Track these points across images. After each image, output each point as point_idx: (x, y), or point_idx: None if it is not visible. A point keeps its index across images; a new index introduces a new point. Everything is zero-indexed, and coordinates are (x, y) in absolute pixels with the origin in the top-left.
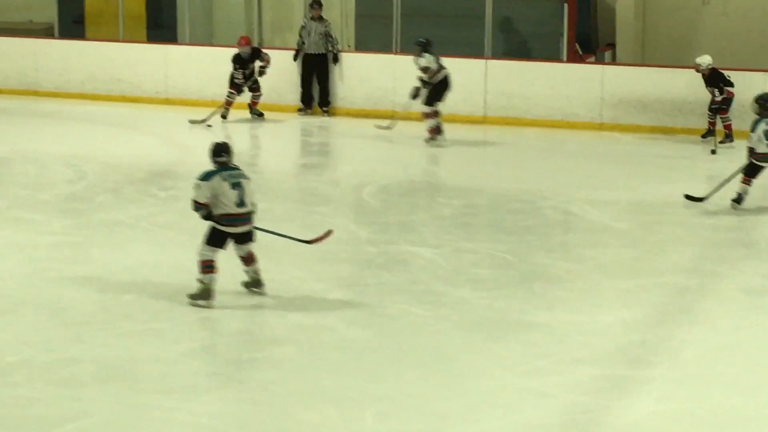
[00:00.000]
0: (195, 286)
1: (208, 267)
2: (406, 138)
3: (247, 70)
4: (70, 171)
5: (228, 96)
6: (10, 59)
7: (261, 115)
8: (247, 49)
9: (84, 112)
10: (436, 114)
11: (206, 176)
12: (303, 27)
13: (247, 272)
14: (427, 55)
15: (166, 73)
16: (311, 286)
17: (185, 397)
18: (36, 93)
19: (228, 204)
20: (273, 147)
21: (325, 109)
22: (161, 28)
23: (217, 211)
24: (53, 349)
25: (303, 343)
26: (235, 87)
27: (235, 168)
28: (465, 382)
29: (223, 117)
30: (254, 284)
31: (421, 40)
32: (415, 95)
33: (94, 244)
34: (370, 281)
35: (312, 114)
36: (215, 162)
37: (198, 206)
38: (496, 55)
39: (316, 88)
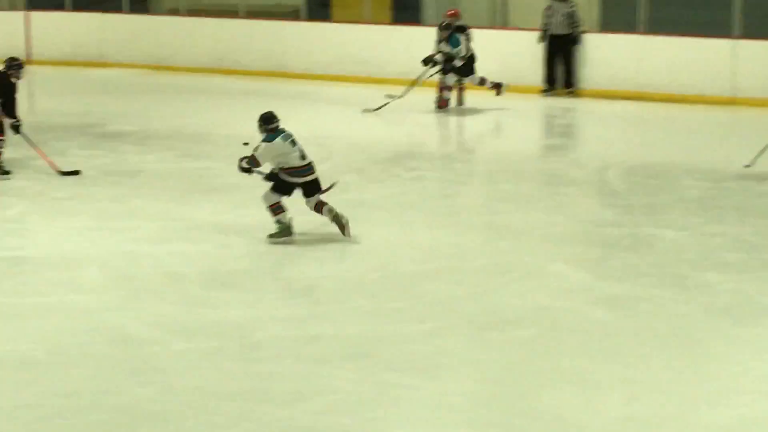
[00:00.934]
0: (274, 228)
1: (277, 208)
2: (648, 120)
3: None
4: (317, 151)
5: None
6: (258, 42)
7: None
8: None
9: (330, 94)
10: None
11: (271, 138)
12: (548, 8)
13: (328, 216)
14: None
15: (411, 55)
16: (555, 267)
17: (428, 376)
18: (284, 75)
19: (294, 158)
20: (516, 128)
21: (569, 90)
22: (407, 9)
23: (285, 167)
24: (300, 326)
25: (545, 324)
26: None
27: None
28: (712, 366)
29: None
30: (340, 227)
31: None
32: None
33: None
34: (614, 263)
35: (555, 95)
36: (268, 129)
37: (252, 165)
38: (746, 35)
39: (559, 69)
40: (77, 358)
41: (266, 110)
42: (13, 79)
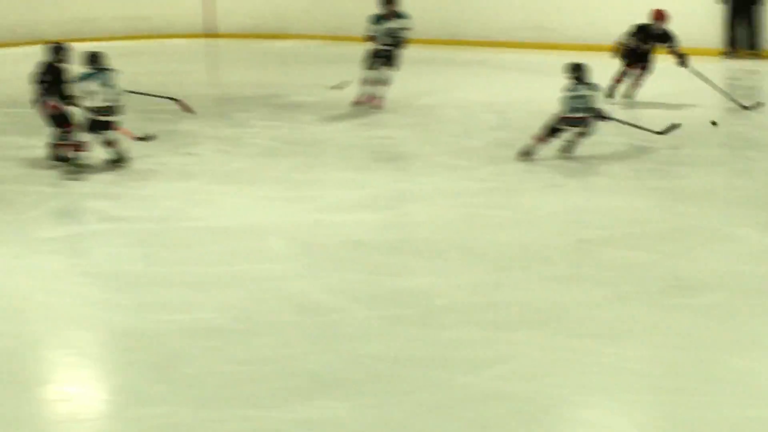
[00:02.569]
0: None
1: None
2: None
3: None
4: (495, 118)
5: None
6: (432, 10)
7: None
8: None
9: (508, 60)
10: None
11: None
12: None
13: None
14: None
15: (588, 21)
16: (739, 230)
17: (610, 342)
18: (460, 42)
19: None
20: (699, 90)
21: (753, 51)
22: None
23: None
24: (481, 292)
25: (732, 289)
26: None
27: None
28: None
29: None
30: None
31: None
32: None
33: (521, 190)
34: None
35: (738, 57)
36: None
37: None
38: None
39: (742, 31)
40: (262, 326)
41: (445, 76)
42: (63, 65)
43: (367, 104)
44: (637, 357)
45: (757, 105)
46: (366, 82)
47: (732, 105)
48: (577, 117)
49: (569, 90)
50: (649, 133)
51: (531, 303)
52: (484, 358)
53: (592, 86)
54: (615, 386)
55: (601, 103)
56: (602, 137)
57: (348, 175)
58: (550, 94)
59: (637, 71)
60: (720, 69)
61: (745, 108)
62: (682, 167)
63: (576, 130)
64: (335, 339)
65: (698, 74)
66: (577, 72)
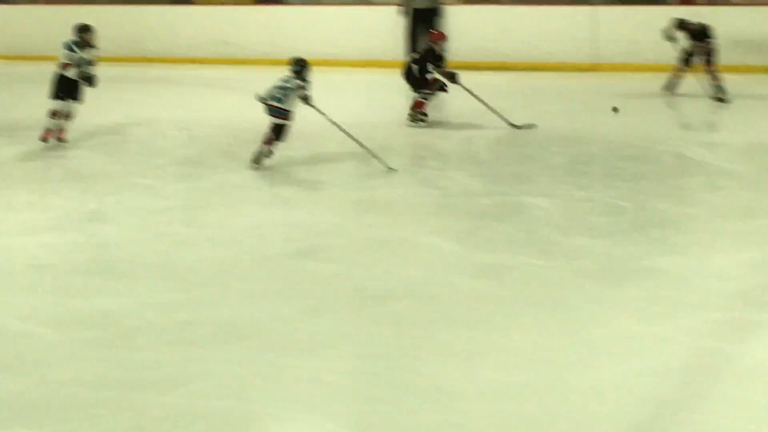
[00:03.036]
0: None
1: None
2: (515, 90)
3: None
4: (183, 135)
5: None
6: (119, 27)
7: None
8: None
9: (194, 77)
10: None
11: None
12: None
13: None
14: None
15: (275, 34)
16: (426, 239)
17: (305, 355)
18: (146, 59)
19: None
20: (382, 103)
21: None
22: None
23: None
24: (174, 311)
25: (418, 297)
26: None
27: None
28: (584, 330)
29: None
30: None
31: None
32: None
33: (210, 206)
34: (485, 233)
35: None
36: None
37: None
38: (606, 2)
39: (423, 43)
40: None
41: (130, 94)
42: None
43: (53, 138)
44: (333, 368)
45: (529, 126)
46: (55, 114)
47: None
48: (273, 106)
49: (281, 80)
50: (350, 142)
51: (226, 319)
52: (180, 377)
53: (301, 84)
54: (312, 398)
55: (294, 103)
56: (291, 152)
57: (32, 197)
58: (233, 109)
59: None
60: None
61: (516, 127)
62: (368, 179)
63: (270, 134)
64: (25, 365)
65: (469, 91)
66: (297, 66)
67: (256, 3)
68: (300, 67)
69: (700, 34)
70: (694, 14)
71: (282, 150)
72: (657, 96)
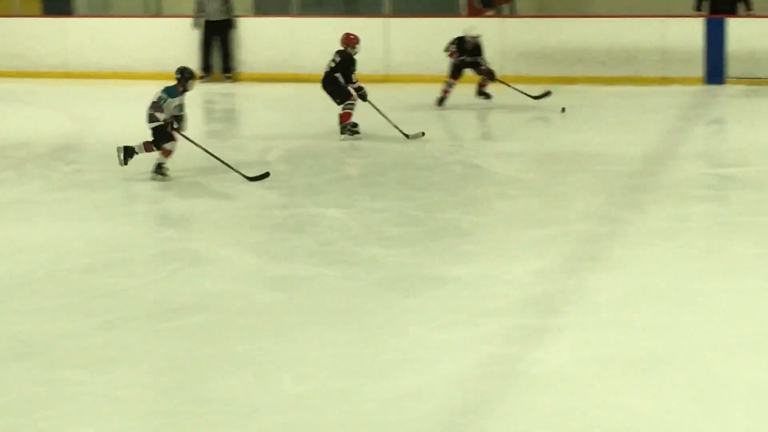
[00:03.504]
0: None
1: None
2: (306, 102)
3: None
4: None
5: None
6: None
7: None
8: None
9: None
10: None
11: None
12: None
13: None
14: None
15: (65, 46)
16: (222, 251)
17: (100, 371)
18: None
19: None
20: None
21: (228, 75)
22: (57, 0)
23: None
24: None
25: (214, 309)
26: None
27: None
28: (380, 339)
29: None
30: None
31: None
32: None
33: (1, 221)
34: (280, 245)
35: (213, 81)
36: None
37: None
38: (396, 13)
39: (216, 55)
40: None
41: None
42: None
43: None
44: (128, 383)
45: (420, 135)
46: None
47: (210, 127)
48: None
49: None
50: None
51: (18, 336)
52: None
53: (167, 90)
54: (106, 415)
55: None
56: (81, 165)
57: None
58: (25, 123)
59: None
60: (197, 93)
61: (407, 137)
62: (165, 191)
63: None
64: None
65: (370, 104)
66: (179, 74)
67: (44, 15)
68: (179, 75)
69: (474, 50)
70: (482, 25)
71: (73, 164)
72: (447, 107)
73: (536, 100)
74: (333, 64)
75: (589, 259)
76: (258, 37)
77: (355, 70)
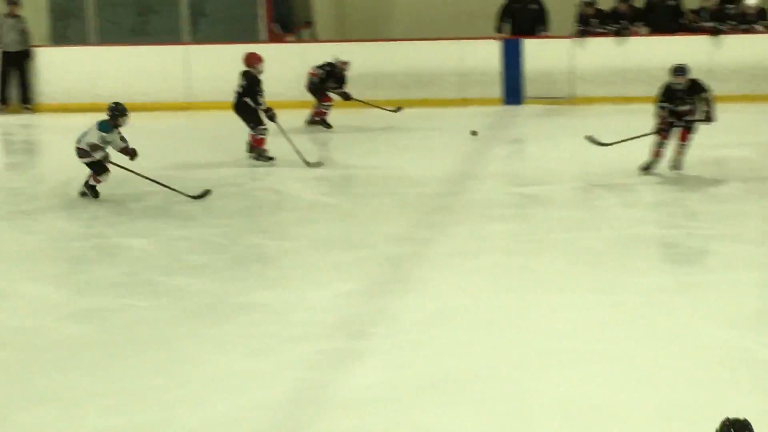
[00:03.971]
0: None
1: None
2: None
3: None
4: None
5: None
6: None
7: None
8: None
9: None
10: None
11: None
12: None
13: None
14: None
15: None
16: (23, 286)
17: None
18: None
19: None
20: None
21: (27, 106)
22: None
23: None
24: None
25: (17, 345)
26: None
27: None
28: (189, 369)
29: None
30: None
31: None
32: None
33: None
34: (84, 276)
35: (11, 112)
36: None
37: None
38: (196, 40)
39: (14, 86)
40: None
41: None
42: None
43: None
44: None
45: (318, 164)
46: None
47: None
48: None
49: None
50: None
51: None
52: None
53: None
54: None
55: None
56: None
57: None
58: None
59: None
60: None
61: (310, 165)
62: None
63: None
64: None
65: (278, 126)
66: (110, 111)
67: None
68: (111, 112)
69: (341, 78)
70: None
71: None
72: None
73: (394, 113)
74: (240, 89)
75: (394, 281)
76: (56, 67)
77: (261, 91)
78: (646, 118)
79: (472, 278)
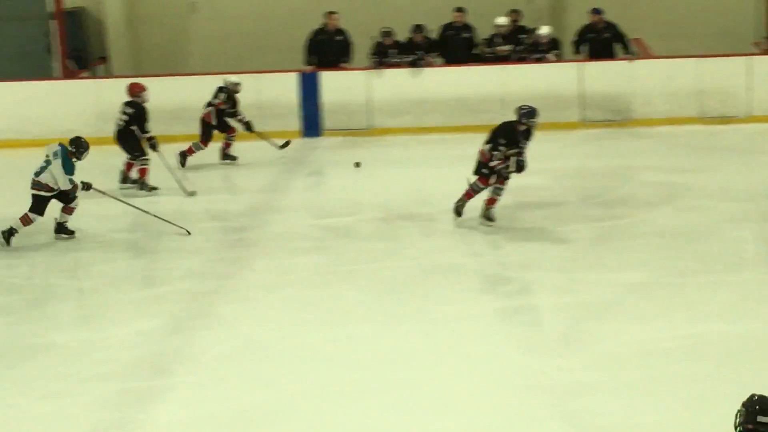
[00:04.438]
0: None
1: None
2: None
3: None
4: None
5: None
6: None
7: None
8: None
9: None
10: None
11: None
12: None
13: None
14: None
15: None
16: None
17: None
18: None
19: None
20: None
21: None
22: None
23: None
24: None
25: None
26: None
27: None
28: None
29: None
30: None
31: None
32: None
33: None
34: None
35: None
36: None
37: None
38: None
39: None
40: None
41: None
42: None
43: None
44: None
45: (191, 193)
46: None
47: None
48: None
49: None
50: None
51: None
52: None
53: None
54: None
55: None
56: None
57: None
58: None
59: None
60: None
61: (189, 194)
62: None
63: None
64: None
65: (161, 157)
66: (73, 146)
67: None
68: (74, 147)
69: (233, 101)
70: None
71: None
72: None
73: (281, 149)
74: (126, 117)
75: (196, 317)
76: None
77: (148, 119)
78: (443, 147)
79: (275, 312)
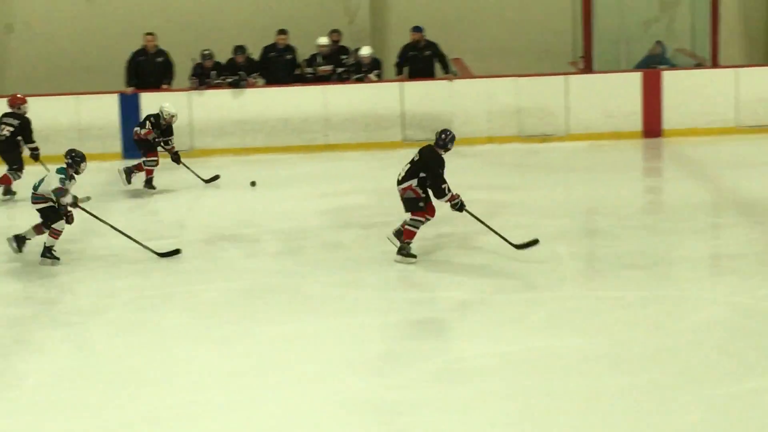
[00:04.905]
0: None
1: None
2: None
3: None
4: None
5: None
6: None
7: None
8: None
9: None
10: None
11: None
12: None
13: None
14: None
15: None
16: None
17: None
18: None
19: None
20: None
21: None
22: None
23: None
24: None
25: None
26: None
27: None
28: None
29: None
30: None
31: None
32: None
33: None
34: None
35: None
36: None
37: None
38: None
39: None
40: None
41: None
42: None
43: None
44: None
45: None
46: None
47: None
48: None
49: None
50: None
51: None
52: None
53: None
54: None
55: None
56: None
57: None
58: None
59: None
60: None
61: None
62: None
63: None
64: None
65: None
66: (70, 158)
67: None
68: (70, 159)
69: (167, 129)
70: None
71: None
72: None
73: (207, 183)
74: (12, 128)
75: (15, 343)
76: None
77: (32, 130)
78: (267, 167)
79: (97, 336)
